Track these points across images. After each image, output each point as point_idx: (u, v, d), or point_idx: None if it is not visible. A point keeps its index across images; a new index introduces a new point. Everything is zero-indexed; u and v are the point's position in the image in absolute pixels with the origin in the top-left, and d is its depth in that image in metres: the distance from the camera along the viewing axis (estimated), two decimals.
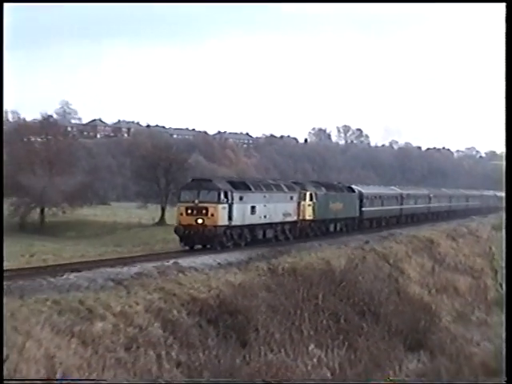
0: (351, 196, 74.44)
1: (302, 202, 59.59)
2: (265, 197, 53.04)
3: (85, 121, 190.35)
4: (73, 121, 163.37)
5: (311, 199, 61.31)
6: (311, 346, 32.53)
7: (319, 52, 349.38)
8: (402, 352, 38.84)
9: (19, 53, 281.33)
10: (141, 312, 29.34)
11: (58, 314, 26.28)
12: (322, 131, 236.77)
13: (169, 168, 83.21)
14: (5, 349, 22.08)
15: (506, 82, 16.23)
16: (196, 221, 46.19)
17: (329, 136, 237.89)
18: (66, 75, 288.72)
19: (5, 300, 26.43)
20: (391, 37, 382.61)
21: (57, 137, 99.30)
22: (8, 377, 21.40)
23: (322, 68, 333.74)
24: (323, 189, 66.35)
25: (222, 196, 46.89)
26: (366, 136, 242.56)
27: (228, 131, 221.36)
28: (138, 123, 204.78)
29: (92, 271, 35.30)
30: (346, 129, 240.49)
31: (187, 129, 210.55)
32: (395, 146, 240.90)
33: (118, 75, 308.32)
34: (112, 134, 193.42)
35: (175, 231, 47.97)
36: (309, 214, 60.75)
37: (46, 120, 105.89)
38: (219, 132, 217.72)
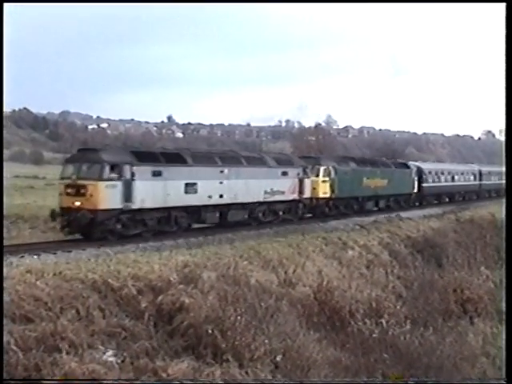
0: (403, 172, 47.15)
1: (313, 179, 35.49)
2: (222, 172, 28.89)
3: (341, 126, 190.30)
4: (334, 127, 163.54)
5: (328, 175, 36.77)
6: (482, 268, 31.05)
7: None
8: None
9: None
10: (375, 245, 29.25)
11: (325, 245, 26.44)
12: (489, 132, 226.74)
13: (392, 155, 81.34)
14: (293, 266, 22.09)
15: (506, 82, 13.40)
16: (74, 203, 23.76)
17: (493, 135, 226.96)
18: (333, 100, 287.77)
19: (293, 236, 26.58)
20: None
21: (324, 136, 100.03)
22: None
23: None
24: (352, 164, 40.93)
25: (107, 171, 23.88)
26: None
27: (429, 132, 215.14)
28: (373, 128, 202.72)
29: (346, 219, 35.08)
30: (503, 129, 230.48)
31: (404, 131, 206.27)
32: None
33: (365, 97, 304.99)
34: (357, 135, 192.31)
35: (51, 216, 25.05)
36: (324, 192, 36.38)
37: (317, 126, 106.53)
38: (424, 133, 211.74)
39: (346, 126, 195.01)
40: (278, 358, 15.18)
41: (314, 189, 35.35)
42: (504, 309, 10.24)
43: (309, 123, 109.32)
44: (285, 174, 33.07)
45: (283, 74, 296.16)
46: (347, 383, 16.38)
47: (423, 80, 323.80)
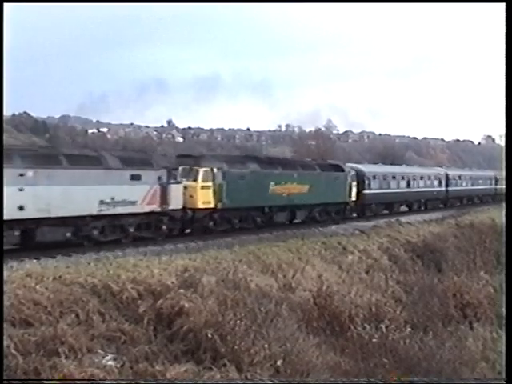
0: (334, 176, 36.58)
1: (189, 184, 27.17)
2: (22, 175, 20.20)
3: (341, 131, 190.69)
4: (334, 131, 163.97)
5: (212, 179, 28.05)
6: (481, 273, 30.98)
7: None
8: None
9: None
10: (375, 249, 29.37)
11: (325, 250, 26.51)
12: (489, 137, 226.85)
13: (393, 160, 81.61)
14: (293, 270, 22.10)
15: (506, 85, 13.31)
16: None
17: (493, 140, 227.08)
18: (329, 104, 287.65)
19: (292, 241, 26.60)
20: None
21: (324, 141, 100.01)
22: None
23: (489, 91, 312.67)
24: (252, 165, 31.47)
25: None
26: None
27: (429, 137, 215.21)
28: (373, 132, 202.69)
29: (346, 224, 35.13)
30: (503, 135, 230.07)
31: (404, 136, 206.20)
32: None
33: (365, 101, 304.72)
34: (357, 139, 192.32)
35: None
36: (204, 201, 27.60)
37: (317, 131, 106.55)
38: (424, 138, 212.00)
39: (346, 131, 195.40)
40: (279, 363, 15.17)
41: (191, 197, 27.26)
42: (504, 312, 10.24)
43: (309, 128, 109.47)
44: (136, 177, 24.49)
45: (284, 78, 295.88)
46: (345, 383, 16.38)
47: (423, 84, 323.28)
